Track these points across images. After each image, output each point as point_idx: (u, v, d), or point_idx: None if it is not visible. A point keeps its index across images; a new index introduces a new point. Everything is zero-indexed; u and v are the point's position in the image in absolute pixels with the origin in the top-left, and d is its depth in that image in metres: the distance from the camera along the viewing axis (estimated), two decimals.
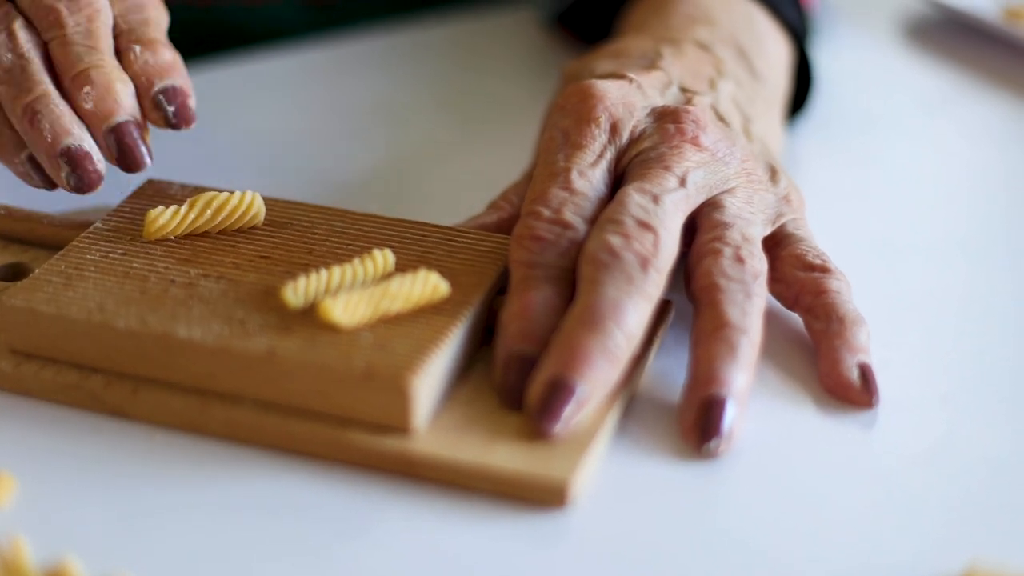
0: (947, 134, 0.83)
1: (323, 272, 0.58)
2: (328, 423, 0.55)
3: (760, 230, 0.62)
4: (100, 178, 0.62)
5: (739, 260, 0.59)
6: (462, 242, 0.61)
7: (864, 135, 0.81)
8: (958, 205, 0.76)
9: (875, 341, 0.60)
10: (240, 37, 0.91)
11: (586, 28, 0.85)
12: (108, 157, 0.62)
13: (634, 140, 0.62)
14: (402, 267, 0.59)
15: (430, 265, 0.59)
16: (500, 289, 0.60)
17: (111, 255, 0.60)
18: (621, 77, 0.65)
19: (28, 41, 0.63)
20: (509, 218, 0.64)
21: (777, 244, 0.63)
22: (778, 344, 0.61)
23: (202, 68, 0.85)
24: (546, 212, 0.59)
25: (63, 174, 0.61)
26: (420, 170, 0.77)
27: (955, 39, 0.91)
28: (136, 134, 0.62)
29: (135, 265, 0.60)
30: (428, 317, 0.57)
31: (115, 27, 0.65)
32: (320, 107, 0.84)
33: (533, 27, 0.91)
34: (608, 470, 0.55)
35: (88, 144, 0.62)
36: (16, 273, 0.64)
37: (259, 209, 0.63)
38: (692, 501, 0.54)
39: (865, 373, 0.59)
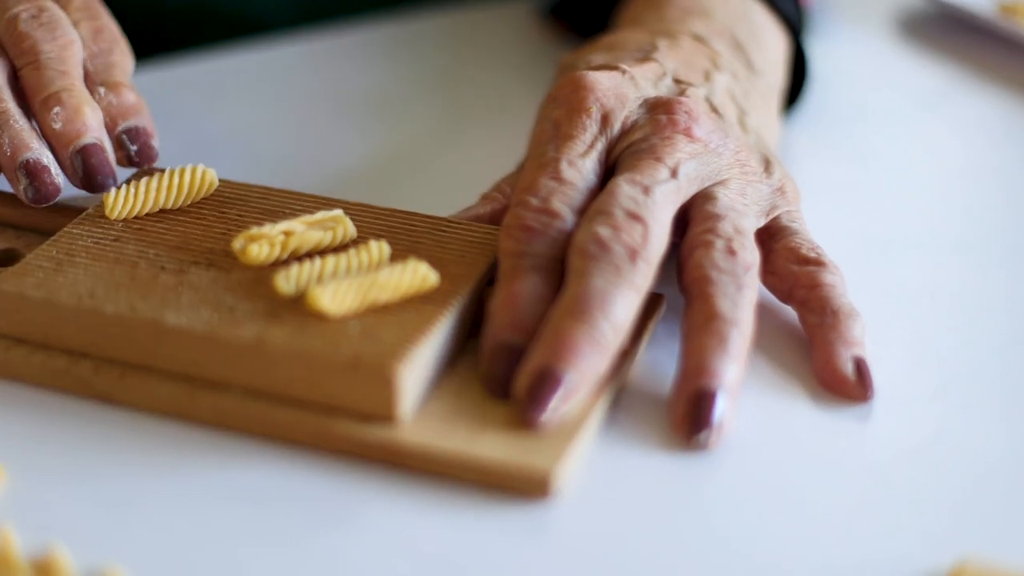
0: (941, 129, 0.83)
1: (316, 260, 0.58)
2: (315, 411, 0.55)
3: (753, 222, 0.62)
4: (57, 189, 0.63)
5: (730, 252, 0.59)
6: (452, 233, 0.61)
7: (858, 130, 0.81)
8: (952, 200, 0.76)
9: (867, 336, 0.60)
10: (232, 26, 0.91)
11: (581, 20, 0.85)
12: (72, 178, 0.63)
13: (626, 131, 0.62)
14: (392, 257, 0.59)
15: (420, 255, 0.59)
16: (490, 280, 0.60)
17: (102, 241, 0.60)
18: (614, 69, 0.65)
19: None
20: (501, 209, 0.64)
21: (771, 236, 0.63)
22: (771, 337, 0.61)
23: (194, 59, 0.86)
24: (535, 202, 0.59)
25: (21, 187, 0.63)
26: (413, 161, 0.77)
27: (950, 34, 0.91)
28: (101, 156, 0.63)
29: (126, 251, 0.60)
30: (417, 307, 0.57)
31: (83, 68, 0.66)
32: (313, 98, 0.84)
33: (528, 18, 0.91)
34: (597, 462, 0.55)
35: (47, 158, 0.63)
36: (8, 258, 0.64)
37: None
38: (681, 493, 0.54)
39: (860, 367, 0.59)
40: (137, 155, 0.65)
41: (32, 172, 0.62)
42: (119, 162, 0.65)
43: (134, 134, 0.65)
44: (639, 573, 0.51)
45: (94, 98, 0.65)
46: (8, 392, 0.58)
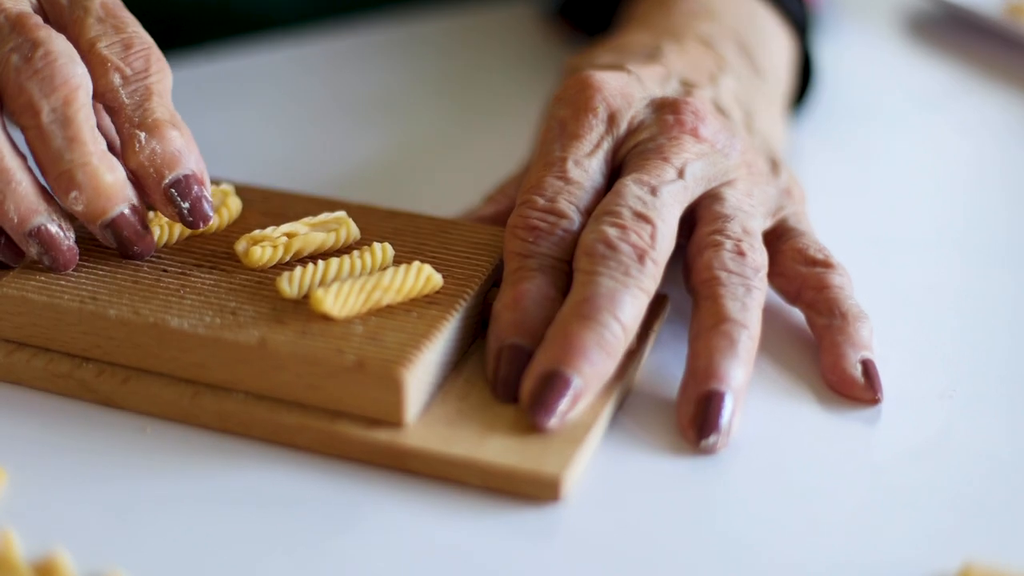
0: (947, 130, 0.83)
1: (319, 263, 0.58)
2: (319, 415, 0.55)
3: (760, 223, 0.62)
4: (75, 255, 0.59)
5: (740, 253, 0.59)
6: (456, 234, 0.61)
7: (865, 130, 0.82)
8: (957, 200, 0.76)
9: (874, 337, 0.60)
10: (241, 23, 0.90)
11: (587, 21, 0.85)
12: (105, 244, 0.59)
13: (632, 131, 0.62)
14: (396, 259, 0.59)
15: (424, 257, 0.59)
16: (495, 281, 0.60)
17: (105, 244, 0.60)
18: (620, 69, 0.65)
19: None
20: (506, 210, 0.64)
21: (778, 238, 0.63)
22: (778, 339, 0.61)
23: (200, 58, 0.85)
24: (541, 201, 0.59)
25: (34, 252, 0.58)
26: (418, 163, 0.77)
27: (956, 35, 0.91)
28: (135, 222, 0.59)
29: None
30: (421, 309, 0.56)
31: (113, 100, 0.59)
32: (318, 99, 0.84)
33: (531, 21, 0.91)
34: (603, 464, 0.55)
35: (56, 224, 0.58)
36: None
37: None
38: (688, 496, 0.54)
39: (868, 369, 0.58)
40: (190, 214, 0.59)
41: (45, 242, 0.58)
42: (170, 219, 0.60)
43: (184, 187, 0.59)
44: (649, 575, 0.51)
45: (133, 147, 0.59)
46: (11, 396, 0.58)
